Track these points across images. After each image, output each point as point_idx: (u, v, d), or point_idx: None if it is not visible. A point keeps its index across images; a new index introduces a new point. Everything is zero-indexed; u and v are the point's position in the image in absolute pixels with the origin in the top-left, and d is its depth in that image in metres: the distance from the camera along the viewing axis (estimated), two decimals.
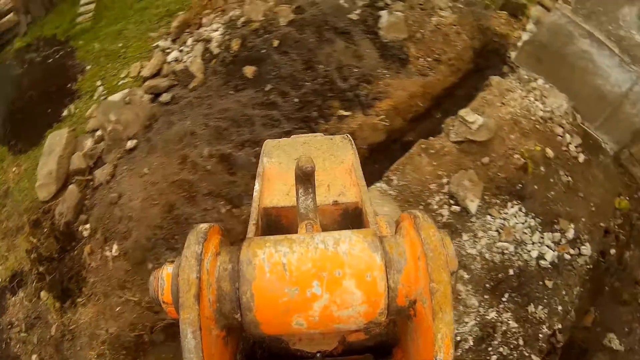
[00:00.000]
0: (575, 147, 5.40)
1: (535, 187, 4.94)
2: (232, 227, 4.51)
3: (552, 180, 5.06)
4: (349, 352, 1.03)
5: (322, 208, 1.31)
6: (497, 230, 4.60)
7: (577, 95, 5.55)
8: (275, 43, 4.74)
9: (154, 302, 0.92)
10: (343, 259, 0.78)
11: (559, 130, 5.36)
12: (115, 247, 4.65)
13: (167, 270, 0.90)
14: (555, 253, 4.75)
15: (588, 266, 4.92)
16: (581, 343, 5.28)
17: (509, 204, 4.71)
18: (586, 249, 4.90)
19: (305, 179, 1.06)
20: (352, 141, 1.62)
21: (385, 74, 5.01)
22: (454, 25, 5.55)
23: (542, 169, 5.06)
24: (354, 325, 0.81)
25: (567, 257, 4.81)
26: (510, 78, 5.52)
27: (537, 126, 5.26)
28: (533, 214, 4.78)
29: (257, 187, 1.41)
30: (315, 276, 0.77)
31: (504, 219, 4.65)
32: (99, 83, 5.41)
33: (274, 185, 1.46)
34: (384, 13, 5.17)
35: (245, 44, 4.83)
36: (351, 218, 1.39)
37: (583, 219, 5.04)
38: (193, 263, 0.75)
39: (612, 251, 5.23)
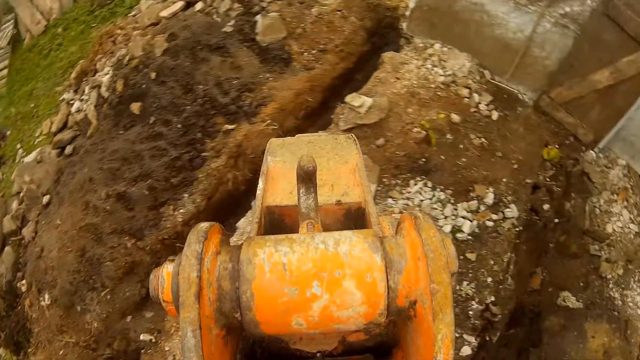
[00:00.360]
0: (486, 105, 5.11)
1: (442, 157, 4.71)
2: (140, 258, 4.62)
3: (462, 146, 4.81)
4: (349, 352, 1.04)
5: (325, 207, 1.33)
6: (401, 212, 4.42)
7: (479, 52, 5.26)
8: (153, 75, 4.80)
9: (154, 300, 0.93)
10: (343, 259, 0.80)
11: (465, 91, 5.08)
12: (47, 296, 4.87)
13: (167, 268, 0.90)
14: (474, 223, 4.50)
15: (517, 228, 4.62)
16: (532, 307, 4.98)
17: (412, 182, 4.51)
18: (511, 211, 4.61)
19: (306, 178, 1.07)
20: (357, 141, 1.63)
21: (269, 77, 4.95)
22: (339, 11, 5.41)
23: (448, 136, 4.82)
24: (353, 325, 0.82)
25: (490, 224, 4.54)
26: (405, 50, 5.30)
27: (439, 93, 5.02)
28: (442, 187, 4.56)
29: (260, 185, 1.42)
30: (315, 276, 0.78)
31: (408, 198, 4.46)
32: (18, 146, 5.69)
33: (277, 184, 1.47)
34: (259, 17, 5.12)
35: (128, 83, 4.93)
36: (354, 218, 1.39)
37: (504, 180, 4.75)
38: (193, 262, 0.76)
39: (546, 206, 4.89)
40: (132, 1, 5.89)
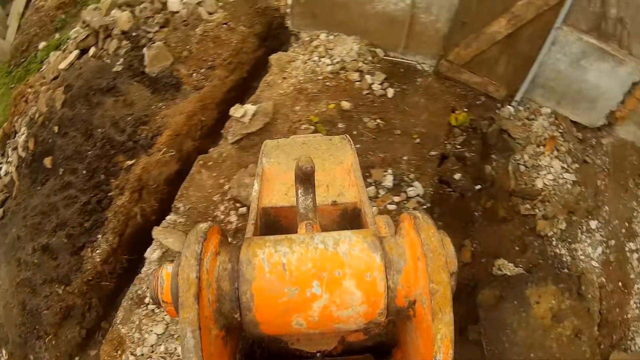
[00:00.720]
0: (380, 84, 4.93)
1: None
2: (72, 302, 4.85)
3: (355, 132, 4.67)
4: (349, 352, 1.05)
5: (321, 208, 1.34)
6: None
7: (366, 31, 5.08)
8: (56, 129, 5.03)
9: (154, 301, 0.94)
10: (343, 259, 0.80)
11: (355, 75, 4.92)
12: (4, 351, 5.25)
13: (167, 269, 0.90)
14: (374, 210, 4.36)
15: (425, 206, 4.43)
16: (467, 283, 4.75)
17: None
18: (415, 189, 4.43)
19: (305, 179, 1.08)
20: (351, 141, 1.68)
21: (161, 106, 5.04)
22: (225, 24, 5.41)
23: (340, 125, 4.69)
24: (353, 325, 0.83)
25: (392, 207, 4.38)
26: (293, 47, 5.22)
27: (328, 83, 4.90)
28: None
29: (255, 187, 1.45)
30: (315, 276, 0.78)
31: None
32: None
33: (272, 185, 1.50)
34: (145, 50, 5.23)
35: (37, 140, 5.19)
36: (350, 218, 1.42)
37: (405, 158, 4.57)
38: (193, 262, 0.76)
39: (457, 175, 4.65)
40: (42, 55, 6.19)
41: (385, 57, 5.09)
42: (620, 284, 4.97)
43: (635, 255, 5.12)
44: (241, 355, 0.99)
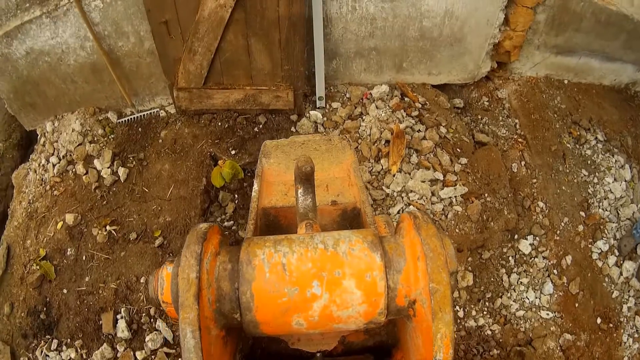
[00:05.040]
0: (109, 166, 3.31)
1: (65, 290, 3.12)
2: None
3: (85, 256, 3.15)
4: (349, 352, 1.05)
5: (321, 208, 1.33)
6: None
7: (84, 97, 3.53)
8: None
9: (153, 302, 0.92)
10: (343, 259, 0.79)
11: (81, 167, 3.38)
12: None
13: (167, 269, 0.89)
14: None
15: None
16: None
17: (38, 351, 3.05)
18: (157, 335, 2.73)
19: (304, 179, 1.07)
20: (351, 142, 1.63)
21: None
22: None
23: (69, 252, 3.21)
24: (353, 325, 0.82)
25: None
26: (35, 151, 3.92)
27: (56, 192, 3.45)
28: (69, 338, 2.99)
29: (255, 187, 1.43)
30: (315, 276, 0.78)
31: None
32: None
33: (272, 186, 1.48)
34: None
35: None
36: (350, 218, 1.39)
37: (142, 280, 2.88)
38: (193, 263, 0.75)
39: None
40: None
41: (120, 120, 3.44)
42: (598, 319, 2.48)
43: (612, 259, 2.55)
44: (241, 355, 0.96)
